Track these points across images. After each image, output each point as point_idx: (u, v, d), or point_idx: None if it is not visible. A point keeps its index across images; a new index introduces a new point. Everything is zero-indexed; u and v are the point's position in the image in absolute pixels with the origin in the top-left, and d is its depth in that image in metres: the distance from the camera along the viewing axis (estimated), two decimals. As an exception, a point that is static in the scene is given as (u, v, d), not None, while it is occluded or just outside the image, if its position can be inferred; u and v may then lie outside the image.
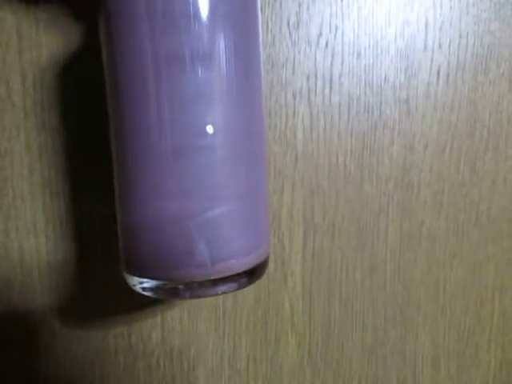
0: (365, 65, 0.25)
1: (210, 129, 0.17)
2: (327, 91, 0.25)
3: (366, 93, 0.26)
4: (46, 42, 0.23)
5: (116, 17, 0.17)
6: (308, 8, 0.24)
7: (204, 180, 0.18)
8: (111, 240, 0.24)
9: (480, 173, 0.28)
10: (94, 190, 0.24)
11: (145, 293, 0.19)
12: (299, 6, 0.24)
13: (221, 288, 0.19)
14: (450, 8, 0.26)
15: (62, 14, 0.23)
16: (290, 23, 0.24)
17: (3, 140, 0.23)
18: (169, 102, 0.17)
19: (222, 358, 0.27)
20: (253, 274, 0.19)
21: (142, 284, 0.19)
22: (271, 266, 0.26)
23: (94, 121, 0.23)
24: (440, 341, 0.29)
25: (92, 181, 0.24)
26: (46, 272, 0.24)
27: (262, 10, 0.24)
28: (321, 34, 0.25)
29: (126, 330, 0.26)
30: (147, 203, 0.18)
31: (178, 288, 0.18)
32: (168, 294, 0.19)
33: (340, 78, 0.25)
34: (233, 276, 0.18)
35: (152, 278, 0.19)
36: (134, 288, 0.20)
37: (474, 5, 0.26)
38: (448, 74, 0.26)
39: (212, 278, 0.18)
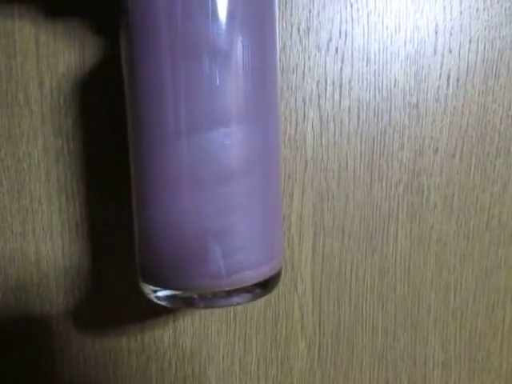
0: (374, 70, 0.26)
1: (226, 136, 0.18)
2: (337, 96, 0.25)
3: (375, 97, 0.26)
4: (62, 49, 0.23)
5: (135, 17, 0.18)
6: (318, 14, 0.25)
7: (218, 186, 0.18)
8: (126, 242, 0.24)
9: (491, 177, 0.28)
10: (109, 193, 0.24)
11: (159, 302, 0.19)
12: (309, 12, 0.25)
13: (235, 299, 0.19)
14: (460, 13, 0.26)
15: (78, 24, 0.23)
16: (301, 29, 0.25)
17: (21, 144, 0.24)
18: (185, 99, 0.17)
19: (232, 360, 0.27)
20: (267, 285, 0.19)
21: (157, 293, 0.19)
22: (281, 269, 0.26)
23: (110, 126, 0.24)
24: (451, 345, 0.29)
25: (107, 185, 0.24)
26: (62, 274, 0.25)
27: (272, 17, 0.24)
28: (331, 39, 0.25)
29: (138, 332, 0.26)
30: (163, 203, 0.18)
31: (192, 298, 0.19)
32: (182, 303, 0.19)
33: (350, 82, 0.25)
34: (248, 287, 0.19)
35: (167, 288, 0.19)
36: (149, 297, 0.20)
37: (484, 10, 0.26)
38: (458, 79, 0.26)
39: (227, 289, 0.18)
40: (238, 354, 0.27)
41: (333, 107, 0.26)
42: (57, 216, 0.24)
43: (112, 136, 0.24)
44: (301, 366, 0.28)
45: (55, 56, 0.23)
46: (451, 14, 0.26)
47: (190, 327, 0.26)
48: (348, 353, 0.28)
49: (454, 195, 0.27)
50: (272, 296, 0.27)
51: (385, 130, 0.26)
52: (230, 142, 0.18)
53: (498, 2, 0.26)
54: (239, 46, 0.17)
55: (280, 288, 0.27)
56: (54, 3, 0.23)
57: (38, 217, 0.24)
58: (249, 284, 0.19)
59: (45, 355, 0.26)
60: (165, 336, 0.26)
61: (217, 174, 0.18)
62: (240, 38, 0.17)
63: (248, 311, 0.27)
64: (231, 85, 0.17)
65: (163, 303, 0.19)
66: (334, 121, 0.26)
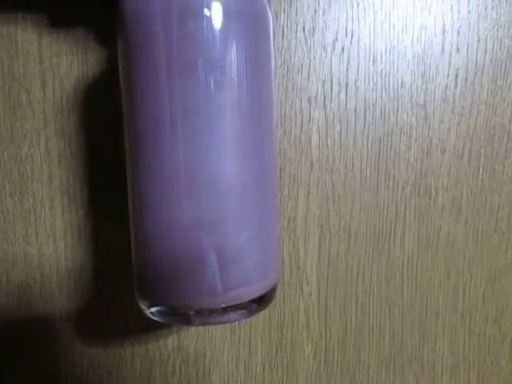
0: (381, 70, 0.25)
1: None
2: (343, 96, 0.25)
3: (382, 98, 0.25)
4: (65, 51, 0.23)
5: (133, 35, 0.18)
6: (324, 14, 0.24)
7: (214, 203, 0.18)
8: (128, 245, 0.24)
9: (499, 178, 0.27)
10: (112, 196, 0.24)
11: (155, 318, 0.19)
12: (315, 11, 0.24)
13: (231, 315, 0.19)
14: (468, 12, 0.25)
15: (81, 28, 0.23)
16: (306, 29, 0.24)
17: (24, 146, 0.24)
18: (181, 114, 0.17)
19: (237, 364, 0.27)
20: (263, 300, 0.20)
21: (152, 309, 0.19)
22: (287, 271, 0.26)
23: (113, 128, 0.24)
24: (459, 349, 0.29)
25: (110, 187, 0.24)
26: (65, 277, 0.25)
27: (277, 17, 0.24)
28: (336, 39, 0.25)
29: (142, 335, 0.26)
30: (158, 219, 0.18)
31: (188, 314, 0.19)
32: (178, 320, 0.19)
33: (356, 83, 0.25)
34: (244, 303, 0.19)
35: (163, 304, 0.19)
36: (144, 312, 0.20)
37: (492, 9, 0.25)
38: (466, 79, 0.26)
39: (223, 305, 0.18)
40: (243, 357, 0.27)
41: (339, 107, 0.25)
42: (59, 218, 0.24)
43: (115, 138, 0.24)
44: (306, 371, 0.27)
45: (58, 57, 0.23)
46: (459, 12, 0.25)
47: (194, 330, 0.26)
48: (355, 357, 0.28)
49: (462, 196, 0.27)
50: (277, 299, 0.26)
51: (392, 130, 0.26)
52: (226, 151, 0.18)
53: (506, 1, 0.25)
54: (234, 61, 0.17)
55: (285, 291, 0.26)
56: (57, 13, 0.23)
57: (40, 219, 0.24)
58: (245, 300, 0.19)
59: (48, 359, 0.26)
60: (168, 340, 0.26)
61: (213, 193, 0.18)
62: (234, 53, 0.17)
63: (253, 314, 0.26)
64: (226, 98, 0.17)
65: (158, 319, 0.19)
66: (339, 121, 0.25)
